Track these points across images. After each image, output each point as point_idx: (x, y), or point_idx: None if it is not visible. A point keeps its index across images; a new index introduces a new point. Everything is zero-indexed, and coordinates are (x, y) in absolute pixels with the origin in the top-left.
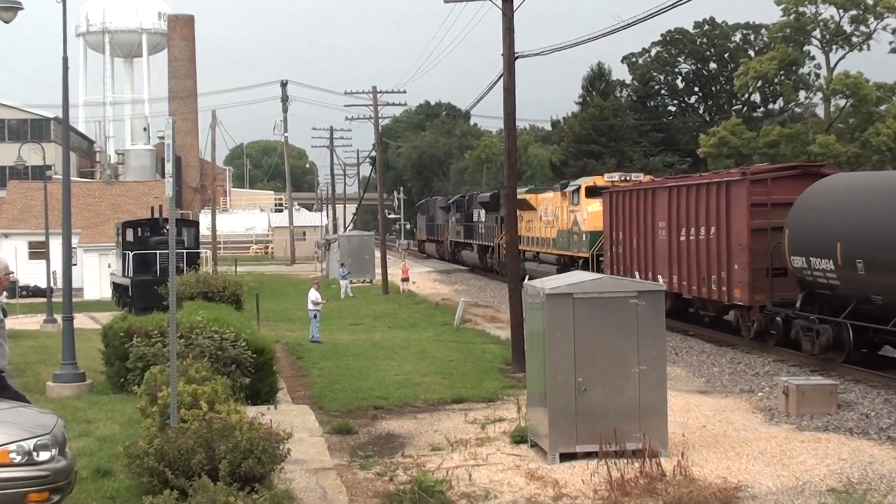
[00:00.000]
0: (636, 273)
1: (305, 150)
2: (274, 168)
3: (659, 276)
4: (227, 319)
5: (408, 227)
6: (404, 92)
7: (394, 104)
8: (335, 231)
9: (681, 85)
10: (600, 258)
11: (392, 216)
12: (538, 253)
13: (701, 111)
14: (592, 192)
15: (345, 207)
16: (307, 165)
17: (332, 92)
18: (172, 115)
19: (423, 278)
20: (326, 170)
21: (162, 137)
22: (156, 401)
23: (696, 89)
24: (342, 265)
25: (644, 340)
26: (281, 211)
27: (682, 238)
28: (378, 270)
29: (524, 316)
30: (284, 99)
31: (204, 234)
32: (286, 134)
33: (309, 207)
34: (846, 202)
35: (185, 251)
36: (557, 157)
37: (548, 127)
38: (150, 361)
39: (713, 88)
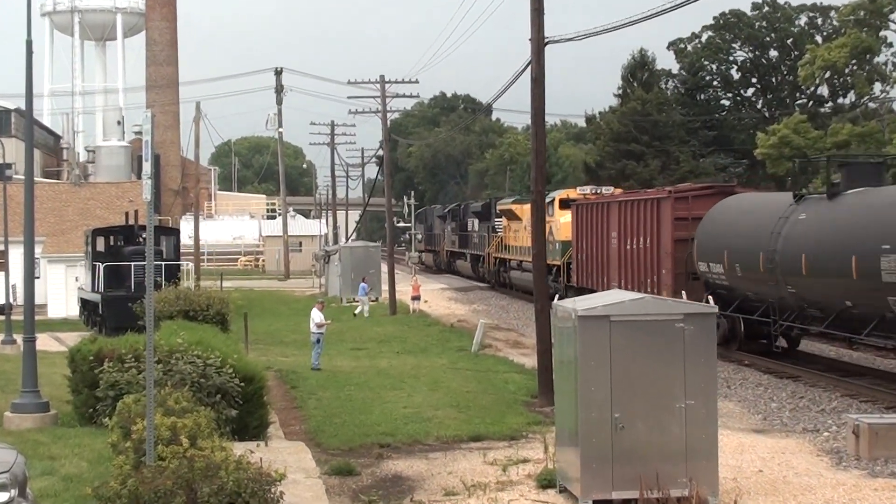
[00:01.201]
0: (593, 278)
1: (302, 149)
2: (266, 168)
3: (612, 282)
4: (211, 342)
5: (419, 237)
6: (416, 82)
7: (404, 96)
8: (336, 241)
9: (736, 75)
10: (571, 266)
11: (401, 224)
12: (521, 262)
13: (759, 106)
14: (565, 203)
15: (347, 214)
16: (304, 166)
17: (334, 82)
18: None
19: (436, 296)
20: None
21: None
22: (129, 435)
23: (754, 80)
24: (364, 280)
25: (692, 370)
26: (274, 218)
27: (628, 247)
28: (385, 287)
29: (553, 341)
30: (279, 89)
31: (185, 244)
32: (280, 129)
33: (306, 214)
34: (733, 218)
35: (163, 263)
36: (592, 158)
37: (582, 123)
38: (124, 390)
39: (773, 80)
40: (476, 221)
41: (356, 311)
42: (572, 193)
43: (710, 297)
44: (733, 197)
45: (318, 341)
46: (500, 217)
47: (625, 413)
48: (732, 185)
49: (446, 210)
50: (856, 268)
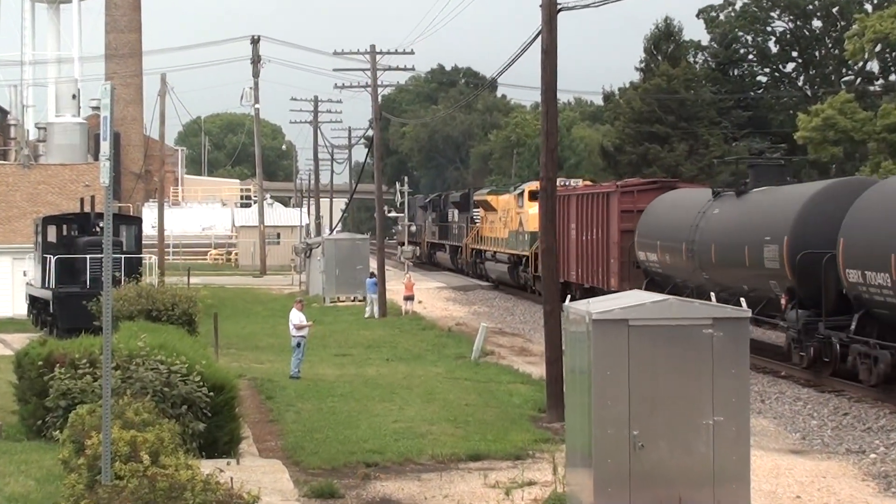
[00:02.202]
0: (557, 268)
1: (281, 127)
2: (240, 150)
3: (571, 271)
4: (176, 346)
5: (413, 228)
6: (411, 53)
7: (398, 69)
8: (319, 233)
9: (774, 48)
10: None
11: (393, 214)
12: (495, 252)
13: (800, 83)
14: (534, 195)
15: (331, 203)
16: (283, 147)
17: (318, 52)
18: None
19: (432, 296)
20: (308, 153)
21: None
22: (83, 450)
23: (795, 54)
24: (372, 274)
25: (721, 383)
26: (249, 205)
27: (584, 238)
28: None
29: (564, 348)
30: (255, 60)
31: (148, 235)
32: (257, 105)
33: (285, 202)
34: (666, 211)
35: (123, 256)
36: (611, 141)
37: (598, 101)
38: (77, 399)
39: (816, 54)
40: (456, 212)
41: (367, 315)
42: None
43: (742, 301)
44: (670, 192)
45: (299, 346)
46: (479, 208)
47: (645, 430)
48: (675, 180)
49: (427, 200)
50: (747, 256)
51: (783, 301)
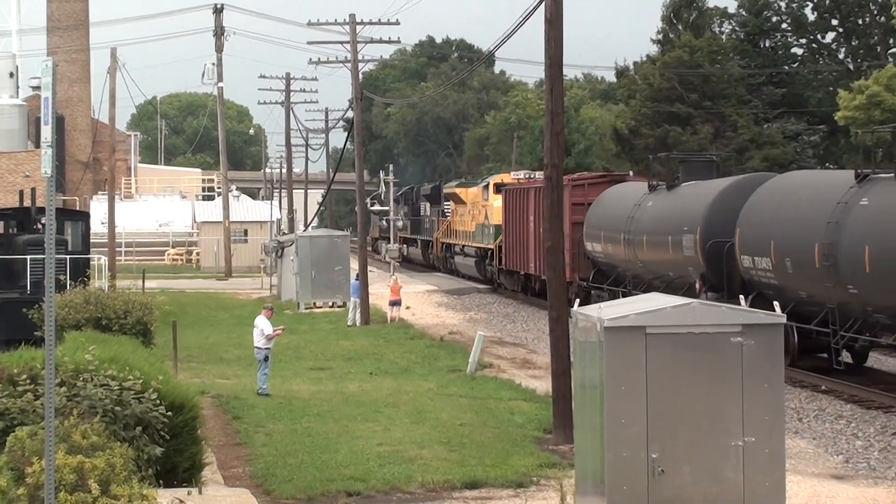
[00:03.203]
0: (518, 260)
1: (249, 109)
2: (202, 135)
3: (530, 263)
4: (130, 360)
5: (400, 224)
6: (396, 23)
7: (381, 41)
8: (292, 229)
9: (811, 16)
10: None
11: (377, 208)
12: (464, 247)
13: (841, 56)
14: (500, 188)
15: (306, 195)
16: (251, 131)
17: (291, 23)
18: (53, 55)
19: (421, 300)
20: (279, 138)
21: (37, 87)
22: (23, 479)
23: (835, 23)
24: (357, 277)
25: (752, 398)
26: (212, 198)
27: (541, 230)
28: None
29: (572, 359)
30: (218, 32)
31: (97, 232)
32: (220, 84)
33: (254, 194)
34: (608, 203)
35: (68, 257)
36: (625, 123)
37: (611, 78)
38: (16, 420)
39: (860, 22)
40: (427, 205)
41: (349, 322)
42: (506, 178)
43: (775, 304)
44: (617, 185)
45: (267, 359)
46: (449, 201)
47: (665, 453)
48: (624, 173)
49: (399, 193)
50: (671, 245)
51: (697, 285)
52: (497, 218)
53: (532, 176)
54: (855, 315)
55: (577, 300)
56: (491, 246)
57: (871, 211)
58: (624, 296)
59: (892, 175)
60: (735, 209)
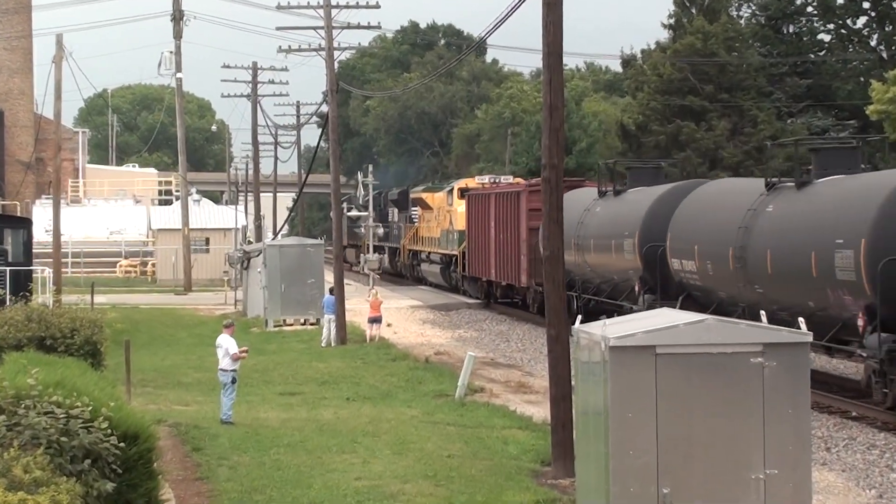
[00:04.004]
0: (480, 267)
1: (211, 103)
2: (158, 131)
3: (491, 269)
4: (77, 384)
5: (381, 231)
6: (377, 6)
7: (359, 26)
8: (259, 237)
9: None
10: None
11: (354, 213)
12: (430, 253)
13: (873, 43)
14: (464, 192)
15: (275, 199)
16: (214, 128)
17: (258, 6)
18: None
19: (404, 317)
20: (245, 135)
21: None
22: None
23: (866, 6)
24: (331, 291)
25: (775, 426)
26: (169, 203)
27: (501, 236)
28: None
29: (573, 383)
30: (177, 17)
31: (41, 241)
32: (179, 75)
33: (216, 198)
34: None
35: (8, 269)
36: (632, 118)
37: (616, 68)
38: None
39: (894, 5)
40: (395, 211)
41: (323, 342)
42: (471, 183)
43: (801, 321)
44: (571, 191)
45: (234, 381)
46: (416, 206)
47: (678, 487)
48: (581, 179)
49: (366, 199)
50: (614, 248)
51: (637, 288)
52: (461, 224)
53: (497, 181)
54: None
55: (579, 317)
56: (455, 252)
57: (774, 217)
58: (575, 299)
59: (793, 184)
60: (668, 215)
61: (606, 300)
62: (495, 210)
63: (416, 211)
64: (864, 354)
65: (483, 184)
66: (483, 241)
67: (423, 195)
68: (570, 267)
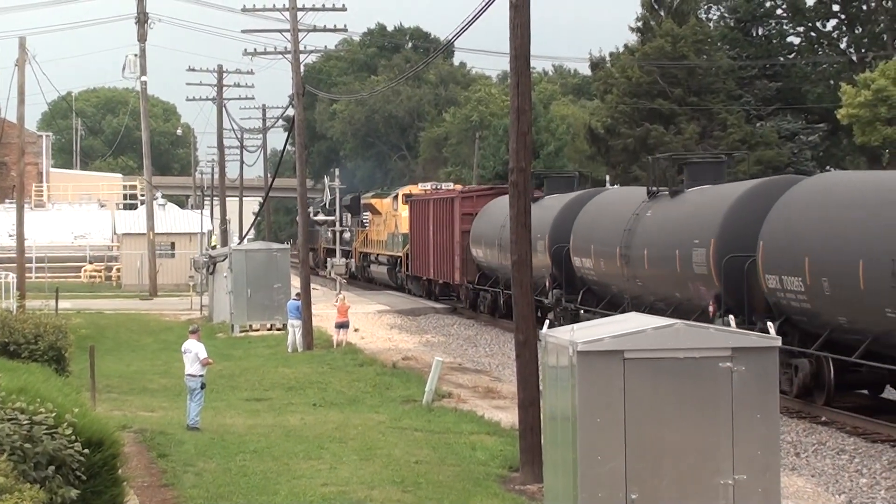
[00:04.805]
0: (421, 266)
1: (176, 107)
2: (123, 135)
3: (430, 269)
4: (41, 390)
5: (347, 235)
6: (343, 9)
7: (325, 29)
8: (225, 242)
9: (810, 1)
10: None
11: (320, 217)
12: (378, 255)
13: (843, 46)
14: (408, 198)
15: (241, 203)
16: (179, 132)
17: (223, 8)
18: None
19: (371, 322)
20: (211, 139)
21: None
22: None
23: (836, 9)
24: (297, 296)
25: (744, 431)
26: (134, 207)
27: (438, 238)
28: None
29: (541, 388)
30: (142, 20)
31: (4, 246)
32: (144, 78)
33: (182, 202)
34: (489, 213)
35: None
36: (600, 121)
37: (584, 71)
38: None
39: (864, 7)
40: (349, 216)
41: (289, 348)
42: (414, 189)
43: (770, 325)
44: (498, 197)
45: (203, 387)
46: (367, 211)
47: (646, 493)
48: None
49: (322, 204)
50: (497, 247)
51: (547, 283)
52: (405, 227)
53: (438, 187)
54: (645, 304)
55: (547, 322)
56: (400, 254)
57: (650, 221)
58: (500, 294)
59: (667, 193)
60: (572, 219)
61: (537, 297)
62: (433, 215)
63: (366, 216)
64: None
65: (426, 190)
66: (423, 244)
67: (373, 201)
68: (496, 267)
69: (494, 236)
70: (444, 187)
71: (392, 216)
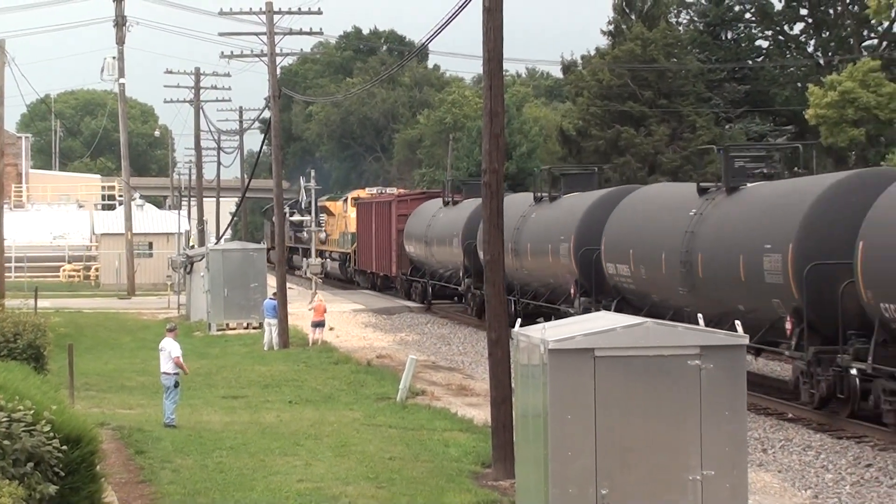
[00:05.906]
0: (366, 262)
1: (154, 108)
2: (101, 137)
3: (373, 263)
4: (20, 388)
5: (322, 236)
6: (319, 13)
7: (301, 32)
8: (202, 242)
9: (778, 5)
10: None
11: (297, 217)
12: (331, 252)
13: (811, 49)
14: (356, 201)
15: (218, 203)
16: (157, 133)
17: (200, 11)
18: None
19: (346, 321)
20: (188, 140)
21: None
22: None
23: (804, 13)
24: (273, 295)
25: (712, 428)
26: (113, 208)
27: (380, 236)
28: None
29: (513, 386)
30: (120, 23)
31: None
32: (122, 80)
33: (160, 203)
34: (420, 214)
35: None
36: (572, 123)
37: (556, 73)
38: None
39: (831, 12)
40: (325, 217)
41: (266, 346)
42: (362, 193)
43: (737, 324)
44: (428, 201)
45: (177, 385)
46: (324, 213)
47: (616, 489)
48: (439, 191)
49: (286, 205)
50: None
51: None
52: (353, 227)
53: (383, 191)
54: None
55: (519, 320)
56: (349, 251)
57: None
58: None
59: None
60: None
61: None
62: (376, 216)
63: (323, 217)
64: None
65: (372, 194)
66: (368, 241)
67: (328, 203)
68: (424, 259)
69: (422, 234)
70: (387, 191)
71: (343, 217)
